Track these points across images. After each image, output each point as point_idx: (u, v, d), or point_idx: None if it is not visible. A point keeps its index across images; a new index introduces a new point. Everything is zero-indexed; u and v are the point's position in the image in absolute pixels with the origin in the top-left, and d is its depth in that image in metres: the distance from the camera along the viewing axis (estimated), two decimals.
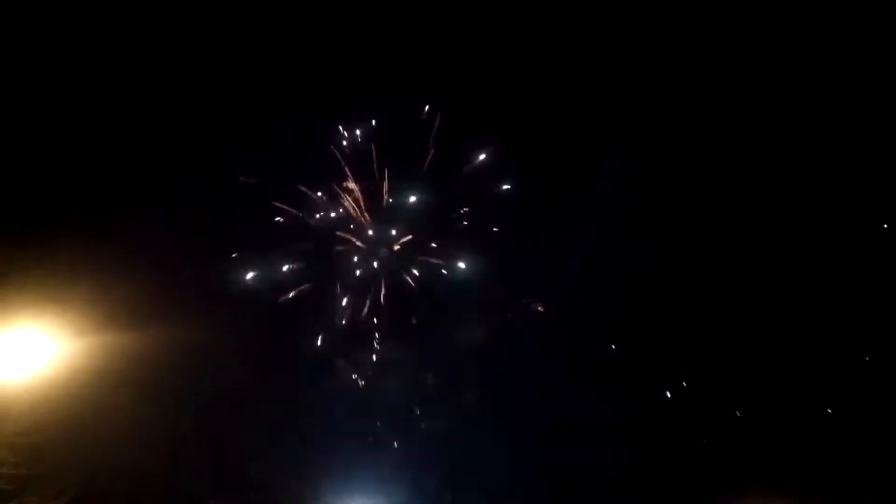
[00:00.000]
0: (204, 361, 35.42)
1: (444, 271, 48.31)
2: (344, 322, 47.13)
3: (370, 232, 49.17)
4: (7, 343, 18.38)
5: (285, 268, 45.76)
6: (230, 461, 35.10)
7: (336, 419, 41.65)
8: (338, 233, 48.75)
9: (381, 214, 48.84)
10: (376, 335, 47.01)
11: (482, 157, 47.87)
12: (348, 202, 48.72)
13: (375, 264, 48.95)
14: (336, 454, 39.51)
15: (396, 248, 49.25)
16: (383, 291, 48.21)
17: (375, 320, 47.64)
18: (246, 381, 37.64)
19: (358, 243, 49.23)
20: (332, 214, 48.54)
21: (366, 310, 47.70)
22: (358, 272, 48.77)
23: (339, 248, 48.92)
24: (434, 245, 48.94)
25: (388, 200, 48.46)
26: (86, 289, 29.43)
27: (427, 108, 47.40)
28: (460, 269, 48.04)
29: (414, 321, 47.54)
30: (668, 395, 43.99)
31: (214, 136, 41.89)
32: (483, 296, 47.04)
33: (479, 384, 44.71)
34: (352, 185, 48.23)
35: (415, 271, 48.64)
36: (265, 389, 38.82)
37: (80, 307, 26.91)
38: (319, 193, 47.84)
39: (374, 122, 47.43)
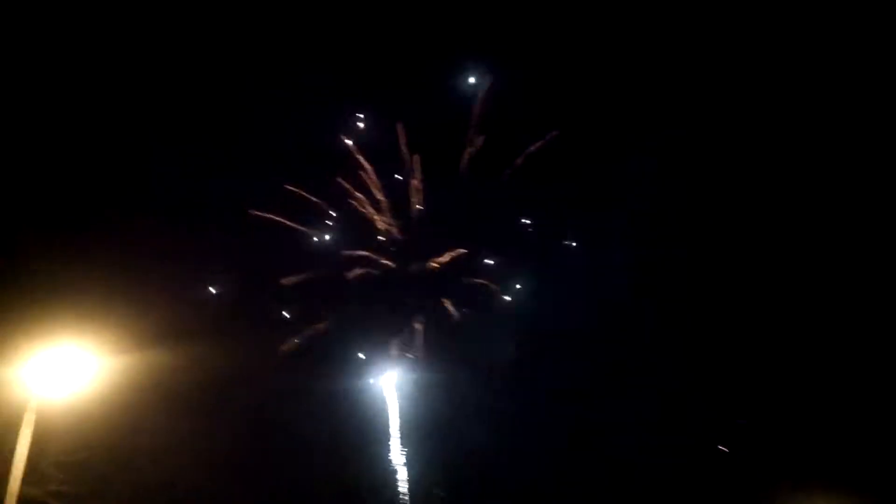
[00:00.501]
0: (242, 378, 35.84)
1: (497, 297, 41.47)
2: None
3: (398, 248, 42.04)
4: (49, 361, 18.71)
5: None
6: (269, 476, 35.30)
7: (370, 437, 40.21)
8: (359, 252, 41.82)
9: (412, 224, 42.04)
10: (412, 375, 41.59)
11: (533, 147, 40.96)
12: (369, 209, 41.54)
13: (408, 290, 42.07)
14: (370, 470, 39.02)
15: (434, 266, 41.64)
16: (418, 327, 41.60)
17: (410, 355, 41.79)
18: (282, 399, 37.87)
19: (385, 262, 42.31)
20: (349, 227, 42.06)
21: (397, 349, 41.92)
22: (387, 301, 42.07)
23: (358, 271, 41.98)
24: (484, 262, 41.87)
25: (418, 207, 41.66)
26: (124, 306, 30.08)
27: (474, 81, 40.17)
28: (515, 292, 41.30)
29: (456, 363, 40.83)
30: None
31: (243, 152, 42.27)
32: (545, 328, 41.09)
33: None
34: (375, 190, 41.12)
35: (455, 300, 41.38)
36: (303, 408, 38.86)
37: (120, 325, 27.51)
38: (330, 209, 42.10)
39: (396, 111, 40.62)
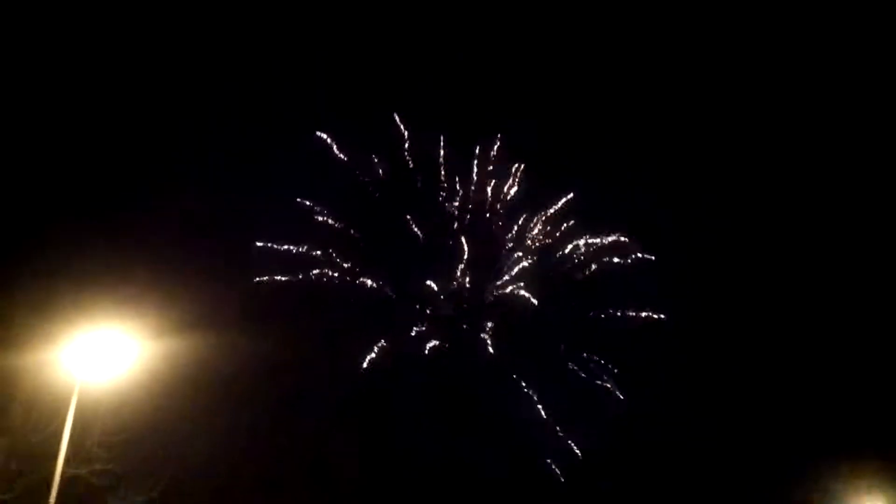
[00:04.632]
0: (281, 362, 36.34)
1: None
2: None
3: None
4: (92, 345, 19.22)
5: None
6: (304, 455, 35.83)
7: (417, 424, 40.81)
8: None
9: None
10: None
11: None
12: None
13: None
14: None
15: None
16: None
17: None
18: (322, 382, 38.33)
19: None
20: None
21: None
22: None
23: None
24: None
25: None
26: (164, 292, 30.69)
27: None
28: None
29: None
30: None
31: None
32: None
33: None
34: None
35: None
36: (342, 390, 39.33)
37: (160, 310, 28.09)
38: None
39: None
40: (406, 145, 44.91)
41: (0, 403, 24.19)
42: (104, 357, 19.47)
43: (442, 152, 45.11)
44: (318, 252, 42.77)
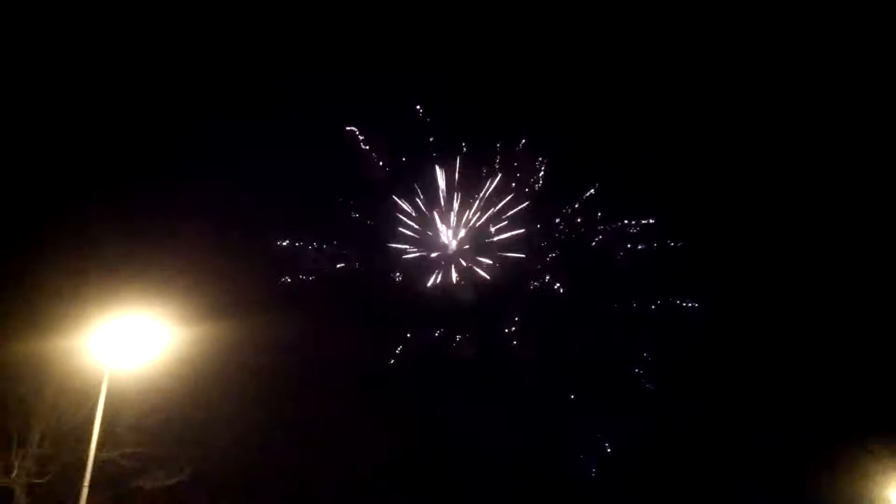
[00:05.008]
0: (306, 349, 36.60)
1: None
2: None
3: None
4: (122, 331, 19.38)
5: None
6: (328, 441, 36.09)
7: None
8: None
9: None
10: None
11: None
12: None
13: None
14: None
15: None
16: None
17: None
18: (346, 372, 38.52)
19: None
20: None
21: None
22: None
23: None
24: None
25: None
26: (193, 279, 30.96)
27: None
28: None
29: None
30: None
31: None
32: None
33: None
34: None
35: None
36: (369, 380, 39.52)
37: (188, 297, 28.35)
38: None
39: None
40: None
41: (32, 389, 24.62)
42: (133, 343, 19.67)
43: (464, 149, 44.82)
44: (339, 245, 43.04)
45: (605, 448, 41.23)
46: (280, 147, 43.03)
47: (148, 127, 39.59)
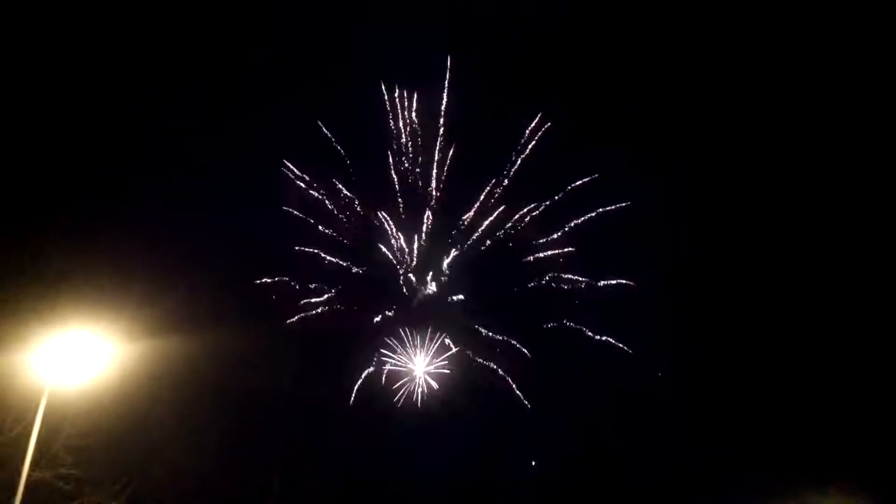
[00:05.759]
0: (251, 365, 36.05)
1: None
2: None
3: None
4: (63, 347, 18.91)
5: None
6: (274, 459, 35.58)
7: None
8: None
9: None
10: None
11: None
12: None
13: None
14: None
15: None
16: None
17: None
18: (289, 386, 38.09)
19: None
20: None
21: None
22: None
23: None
24: None
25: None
26: (138, 294, 30.33)
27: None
28: None
29: None
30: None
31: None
32: None
33: None
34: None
35: None
36: (309, 392, 39.13)
37: (133, 312, 27.75)
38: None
39: None
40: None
41: None
42: (75, 359, 19.21)
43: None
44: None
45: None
46: (233, 163, 42.76)
47: (96, 140, 38.92)
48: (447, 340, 43.76)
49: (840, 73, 45.75)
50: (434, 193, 44.38)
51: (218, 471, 32.83)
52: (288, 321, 41.41)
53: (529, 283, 44.54)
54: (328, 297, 43.41)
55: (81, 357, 19.25)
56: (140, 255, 33.40)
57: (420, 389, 43.72)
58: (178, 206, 38.05)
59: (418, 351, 43.83)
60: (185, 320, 31.89)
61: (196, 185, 40.35)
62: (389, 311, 44.57)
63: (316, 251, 43.75)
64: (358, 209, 44.62)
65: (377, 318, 44.40)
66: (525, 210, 44.44)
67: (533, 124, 44.35)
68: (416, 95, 44.62)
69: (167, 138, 41.25)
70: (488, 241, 44.82)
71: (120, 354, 20.93)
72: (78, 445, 25.60)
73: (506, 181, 44.26)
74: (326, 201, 44.56)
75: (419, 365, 43.78)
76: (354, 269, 44.04)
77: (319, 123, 43.97)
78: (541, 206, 44.44)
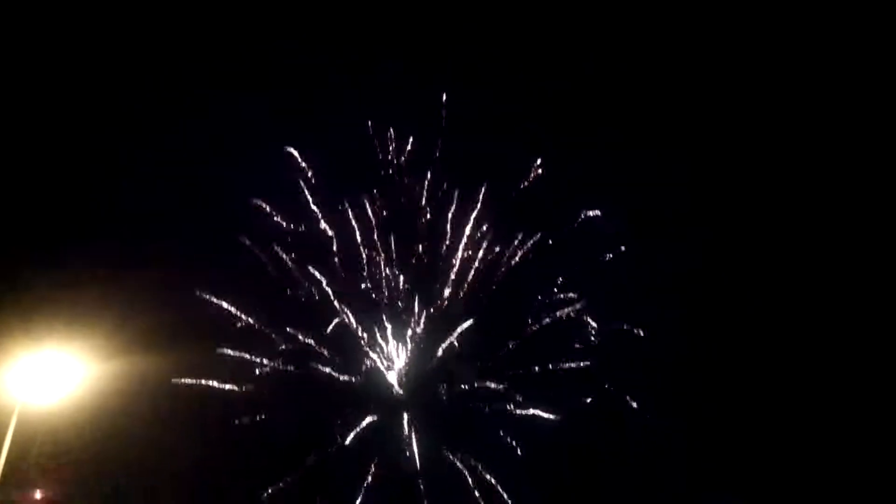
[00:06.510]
0: (226, 386, 35.98)
1: None
2: None
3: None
4: (35, 366, 18.95)
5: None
6: (250, 482, 35.38)
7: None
8: None
9: None
10: None
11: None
12: None
13: None
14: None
15: None
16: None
17: None
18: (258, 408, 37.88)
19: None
20: None
21: None
22: None
23: None
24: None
25: None
26: (113, 314, 30.31)
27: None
28: None
29: None
30: None
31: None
32: None
33: None
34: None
35: None
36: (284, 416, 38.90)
37: (108, 332, 27.75)
38: None
39: None
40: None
41: None
42: (47, 379, 19.26)
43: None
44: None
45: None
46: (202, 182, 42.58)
47: (70, 158, 38.89)
48: None
49: (835, 86, 45.24)
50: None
51: (190, 490, 32.66)
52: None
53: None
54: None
55: (53, 376, 19.31)
56: (112, 276, 33.35)
57: None
58: (151, 229, 37.89)
59: None
60: (158, 341, 31.83)
61: (168, 208, 40.13)
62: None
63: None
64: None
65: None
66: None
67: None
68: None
69: (140, 162, 41.10)
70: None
71: (92, 374, 20.96)
72: (49, 466, 25.58)
73: None
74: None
75: None
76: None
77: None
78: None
